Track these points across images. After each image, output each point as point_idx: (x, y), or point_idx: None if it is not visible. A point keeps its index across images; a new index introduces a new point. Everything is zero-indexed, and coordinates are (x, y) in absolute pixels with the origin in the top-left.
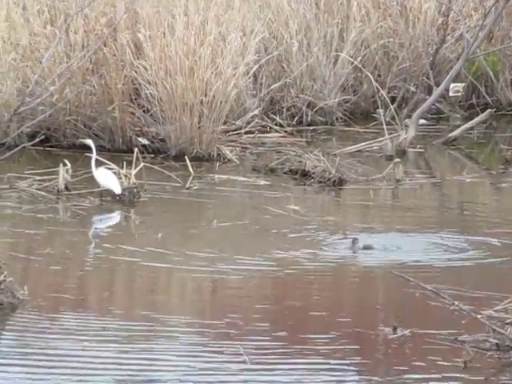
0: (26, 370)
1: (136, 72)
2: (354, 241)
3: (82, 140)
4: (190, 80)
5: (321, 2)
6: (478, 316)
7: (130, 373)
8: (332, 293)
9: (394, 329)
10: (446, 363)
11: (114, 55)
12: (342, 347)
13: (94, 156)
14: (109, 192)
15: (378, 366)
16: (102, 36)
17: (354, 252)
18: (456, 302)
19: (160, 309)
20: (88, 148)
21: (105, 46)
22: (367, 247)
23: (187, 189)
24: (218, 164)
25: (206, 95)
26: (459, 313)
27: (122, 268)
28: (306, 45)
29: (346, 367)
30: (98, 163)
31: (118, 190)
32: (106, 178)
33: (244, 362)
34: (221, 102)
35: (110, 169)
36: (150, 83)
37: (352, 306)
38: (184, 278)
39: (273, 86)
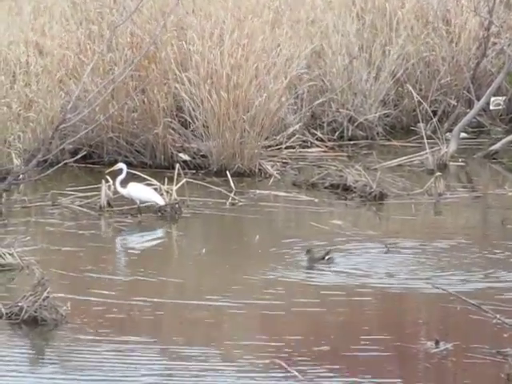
0: None
1: (179, 88)
2: (308, 252)
3: (113, 169)
4: (233, 95)
5: (365, 17)
6: None
7: None
8: (374, 306)
9: (437, 343)
10: (488, 376)
11: (157, 70)
12: (385, 361)
13: (122, 176)
14: (150, 208)
15: (420, 379)
16: (142, 51)
17: (310, 264)
18: (498, 316)
19: (200, 333)
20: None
21: (149, 62)
22: (329, 258)
23: (233, 205)
24: (258, 179)
25: (248, 111)
26: (501, 326)
27: (164, 286)
28: (347, 60)
29: (388, 380)
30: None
31: (161, 201)
32: (146, 191)
33: (295, 377)
34: (263, 118)
35: (149, 184)
36: (193, 99)
37: (394, 320)
38: (226, 305)
39: (315, 103)
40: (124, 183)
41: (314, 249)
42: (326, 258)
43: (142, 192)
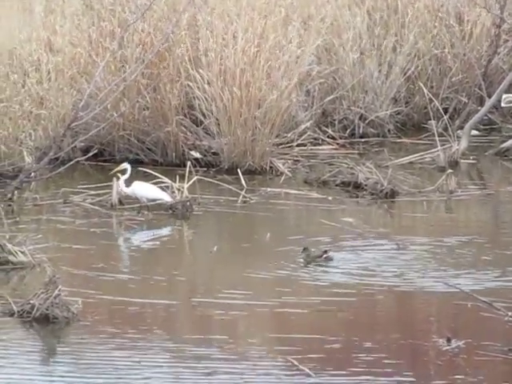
0: None
1: (191, 86)
2: (305, 250)
3: (118, 169)
4: (245, 93)
5: (376, 14)
6: None
7: None
8: (385, 304)
9: (449, 340)
10: (500, 374)
11: (168, 69)
12: (397, 359)
13: (126, 176)
14: (162, 206)
15: (432, 377)
16: (154, 49)
17: (306, 262)
18: (510, 313)
19: (211, 332)
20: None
21: (160, 60)
22: (326, 257)
23: (244, 203)
24: (269, 177)
25: (259, 107)
26: None
27: (175, 284)
28: (358, 57)
29: (400, 378)
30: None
31: (168, 198)
32: (151, 189)
33: (309, 375)
34: (274, 115)
35: (161, 182)
36: (206, 98)
37: (405, 318)
38: (236, 304)
39: (326, 100)
40: (129, 183)
41: (310, 247)
42: (324, 256)
43: (146, 190)
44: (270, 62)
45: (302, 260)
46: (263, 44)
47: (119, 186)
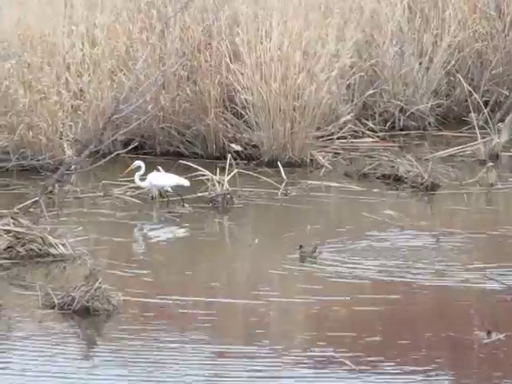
0: (121, 378)
1: (231, 78)
2: (301, 247)
3: (130, 168)
4: (283, 85)
5: (416, 6)
6: None
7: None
8: (425, 297)
9: (489, 333)
10: None
11: (208, 61)
12: (438, 351)
13: (141, 172)
14: (202, 198)
15: (473, 370)
16: (195, 41)
17: (302, 258)
18: None
19: (251, 328)
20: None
21: (199, 53)
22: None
23: (285, 195)
24: (310, 170)
25: (298, 100)
26: None
27: (216, 277)
28: (399, 50)
29: (440, 371)
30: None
31: (186, 182)
32: (167, 177)
33: (350, 368)
34: (313, 108)
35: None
36: (244, 89)
37: (446, 311)
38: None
39: (367, 93)
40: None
41: (305, 245)
42: (317, 250)
43: (163, 179)
44: (306, 57)
45: (298, 256)
46: (301, 38)
47: (135, 181)
